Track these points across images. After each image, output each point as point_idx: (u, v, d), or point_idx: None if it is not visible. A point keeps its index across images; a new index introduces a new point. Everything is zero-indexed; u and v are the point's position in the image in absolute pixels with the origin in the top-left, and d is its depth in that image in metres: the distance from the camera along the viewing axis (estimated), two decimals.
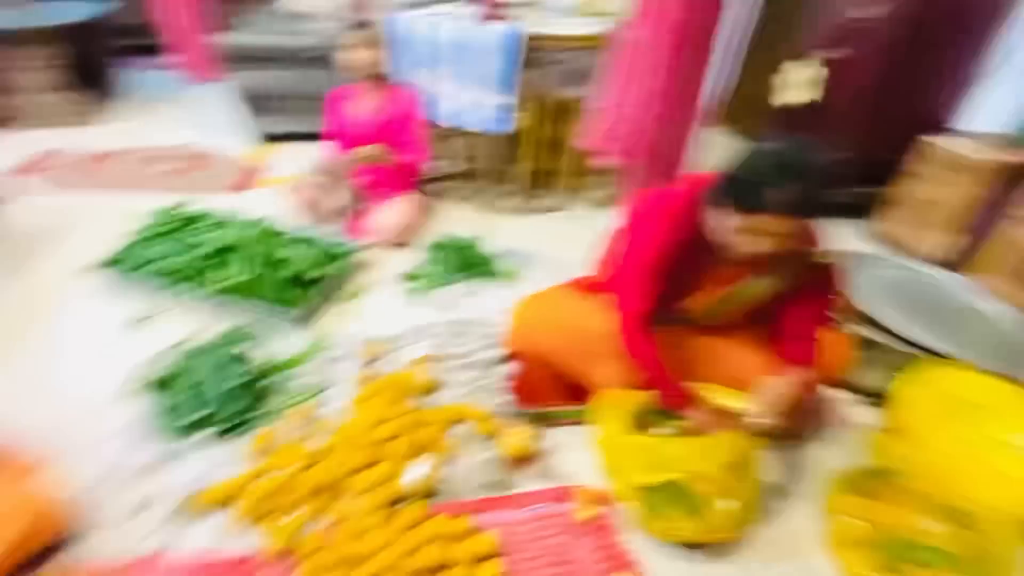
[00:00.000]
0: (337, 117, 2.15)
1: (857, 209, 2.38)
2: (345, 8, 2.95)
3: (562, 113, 2.28)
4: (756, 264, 1.11)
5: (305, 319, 1.70)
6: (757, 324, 1.30)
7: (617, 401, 1.24)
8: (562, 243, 2.22)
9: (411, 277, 1.96)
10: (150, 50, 4.33)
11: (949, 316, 1.62)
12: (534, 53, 2.10)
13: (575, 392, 1.41)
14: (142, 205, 2.32)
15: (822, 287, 1.21)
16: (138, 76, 3.81)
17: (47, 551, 1.06)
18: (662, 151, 1.64)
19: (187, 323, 1.69)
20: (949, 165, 2.14)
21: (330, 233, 2.03)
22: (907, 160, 2.25)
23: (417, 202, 2.24)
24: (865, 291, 1.60)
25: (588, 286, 1.40)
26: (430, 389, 1.48)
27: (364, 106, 2.11)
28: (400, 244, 2.14)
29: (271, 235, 1.87)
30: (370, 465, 1.24)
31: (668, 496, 1.11)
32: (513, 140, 2.31)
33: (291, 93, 2.93)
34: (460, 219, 2.39)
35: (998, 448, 1.13)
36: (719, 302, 1.25)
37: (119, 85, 3.61)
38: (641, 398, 1.24)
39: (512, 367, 1.54)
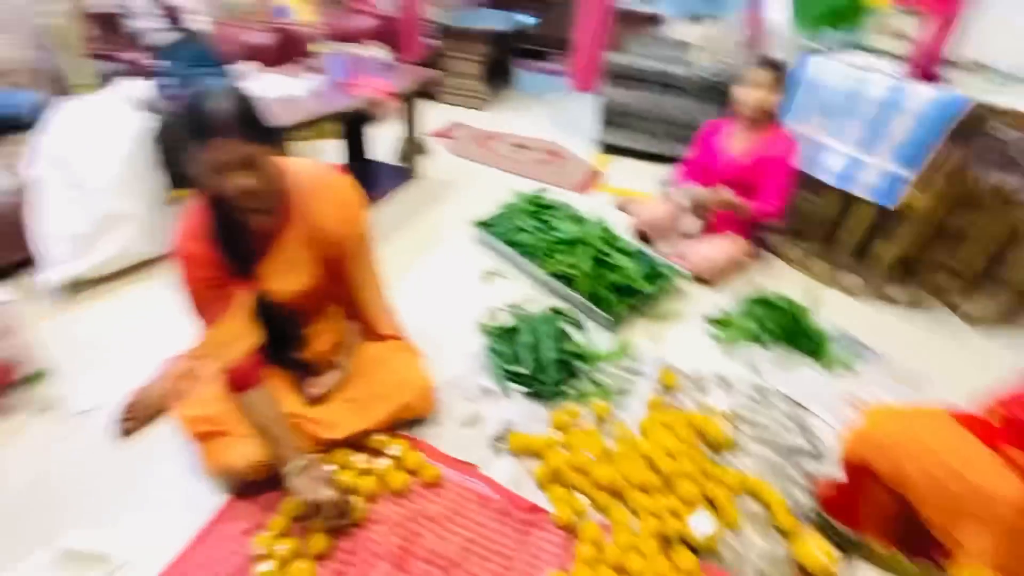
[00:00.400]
0: (706, 147, 2.19)
1: None
2: (738, 44, 2.98)
3: (977, 202, 1.86)
4: None
5: (615, 325, 1.81)
6: None
7: None
8: (919, 351, 1.84)
9: (721, 322, 1.89)
10: (540, 56, 5.21)
11: None
12: (970, 126, 1.74)
13: (909, 537, 1.15)
14: (512, 183, 2.84)
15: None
16: (527, 76, 4.61)
17: (412, 421, 1.39)
18: None
19: (522, 289, 2.00)
20: None
21: (658, 252, 2.11)
22: None
23: (743, 247, 2.13)
24: None
25: (985, 430, 1.11)
26: (724, 447, 1.41)
27: (737, 143, 2.09)
28: (713, 283, 2.09)
29: (610, 239, 2.03)
30: (650, 489, 1.25)
31: None
32: (891, 216, 1.99)
33: (646, 114, 3.13)
34: (784, 279, 2.20)
35: None
36: None
37: (512, 81, 4.43)
38: None
39: (825, 468, 1.35)
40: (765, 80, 1.92)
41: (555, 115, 3.92)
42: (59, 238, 1.69)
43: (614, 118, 3.23)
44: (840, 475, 1.22)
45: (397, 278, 1.69)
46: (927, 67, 1.93)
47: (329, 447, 1.25)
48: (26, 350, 1.39)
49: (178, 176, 2.27)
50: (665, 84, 3.04)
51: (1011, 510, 0.95)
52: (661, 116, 3.12)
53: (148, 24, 2.21)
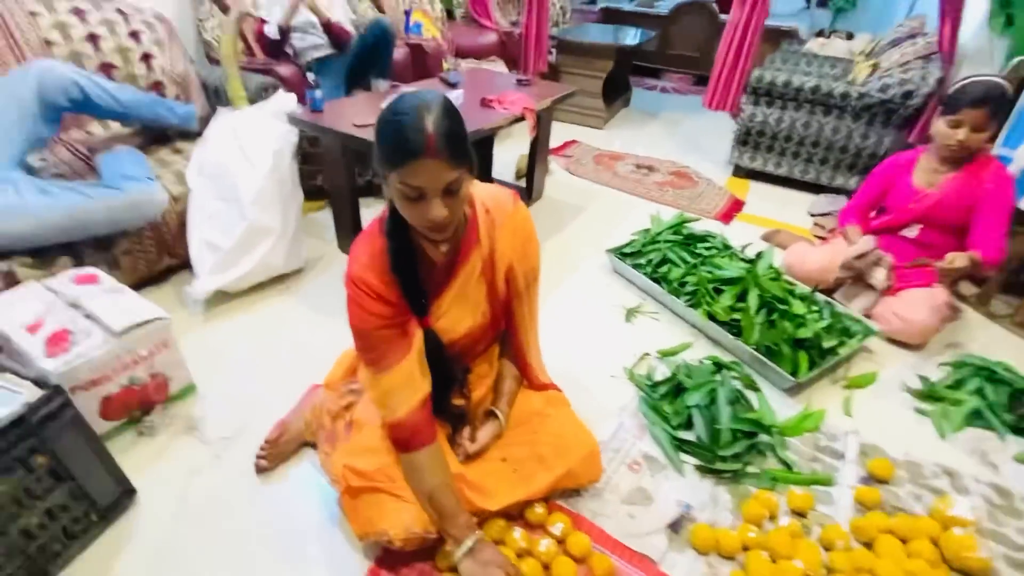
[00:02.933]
0: (888, 183, 1.85)
1: None
2: (910, 58, 2.58)
3: None
4: None
5: (796, 388, 1.51)
6: None
7: None
8: None
9: (930, 395, 1.53)
10: (653, 73, 4.97)
11: None
12: None
13: None
14: (640, 207, 2.61)
15: None
16: (642, 94, 4.38)
17: (571, 490, 1.18)
18: None
19: (672, 333, 1.75)
20: None
21: (842, 302, 1.79)
22: None
23: (943, 302, 1.75)
24: None
25: None
26: (974, 571, 1.07)
27: (928, 177, 1.74)
28: (915, 345, 1.73)
29: (782, 283, 1.74)
30: None
31: None
32: None
33: (791, 134, 2.78)
34: (991, 341, 1.79)
35: None
36: None
37: (629, 99, 4.21)
38: None
39: None
40: (972, 119, 1.57)
41: (678, 135, 3.65)
42: (208, 248, 1.68)
43: (753, 139, 2.91)
44: None
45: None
46: None
47: (481, 517, 1.07)
48: (178, 366, 1.34)
49: (314, 189, 2.27)
50: (817, 103, 2.69)
51: None
52: (810, 138, 2.76)
53: (308, 42, 2.25)
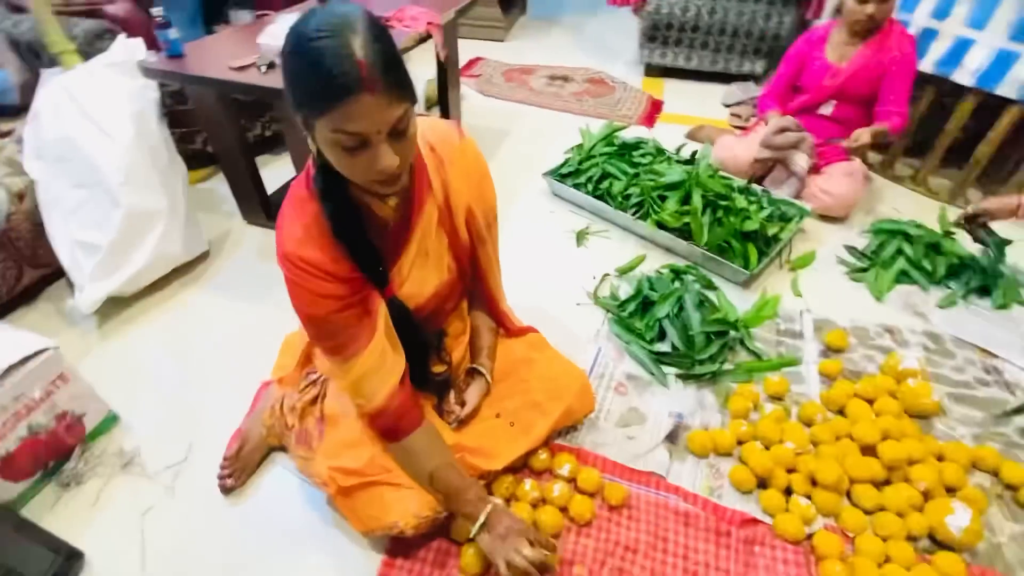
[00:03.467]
0: (800, 63, 1.86)
1: None
2: None
3: None
4: None
5: (751, 279, 1.56)
6: None
7: None
8: None
9: (864, 265, 1.65)
10: None
11: None
12: None
13: None
14: (563, 122, 2.48)
15: None
16: None
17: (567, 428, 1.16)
18: None
19: (625, 248, 1.73)
20: None
21: (772, 188, 1.84)
22: None
23: (861, 172, 1.85)
24: None
25: None
26: (929, 413, 1.21)
27: (840, 52, 1.77)
28: (839, 218, 1.83)
29: (720, 180, 1.74)
30: (879, 482, 1.05)
31: None
32: None
33: (700, 24, 2.73)
34: (900, 202, 1.95)
35: None
36: None
37: (524, 5, 3.91)
38: None
39: None
40: None
41: (583, 39, 3.47)
42: (83, 250, 1.37)
43: (661, 33, 2.82)
44: None
45: None
46: None
47: (488, 478, 1.02)
48: (87, 397, 1.11)
49: (194, 155, 1.91)
50: None
51: None
52: (716, 26, 2.71)
53: None
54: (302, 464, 1.01)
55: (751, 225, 1.58)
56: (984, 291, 1.54)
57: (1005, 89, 1.70)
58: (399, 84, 0.60)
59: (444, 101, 2.28)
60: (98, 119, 1.36)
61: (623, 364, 1.34)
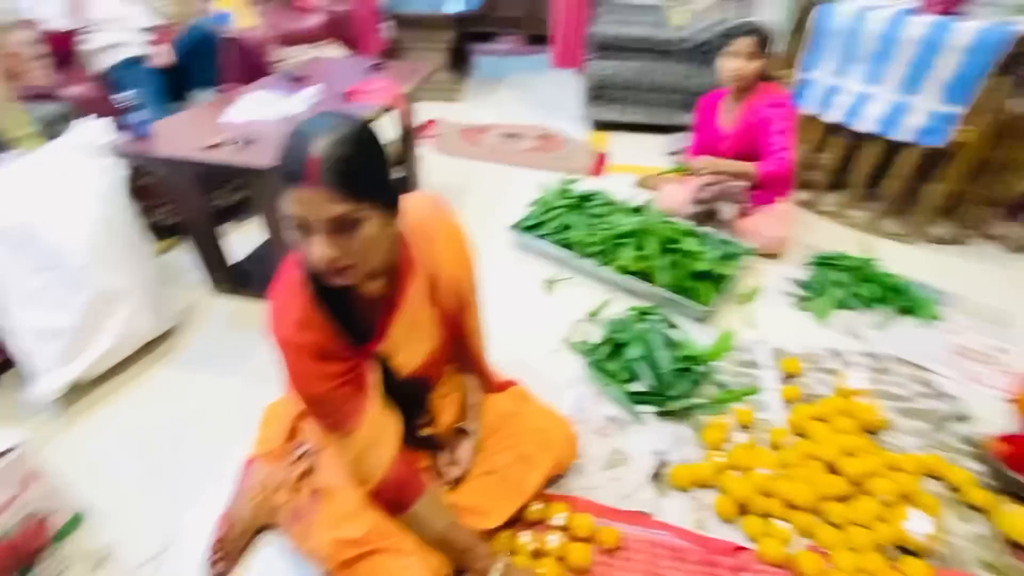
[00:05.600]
0: (703, 123, 2.09)
1: None
2: (716, 6, 2.89)
3: (1020, 131, 1.87)
4: None
5: (706, 317, 1.68)
6: None
7: None
8: (986, 286, 1.85)
9: (806, 295, 1.80)
10: (490, 38, 4.93)
11: None
12: (1015, 57, 1.73)
13: None
14: (519, 177, 2.62)
15: None
16: (484, 61, 4.33)
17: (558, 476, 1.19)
18: None
19: (592, 294, 1.82)
20: None
21: (713, 231, 2.00)
22: None
23: (788, 213, 2.05)
24: None
25: None
26: (879, 428, 1.32)
27: (729, 115, 1.99)
28: (775, 255, 2.01)
29: (667, 227, 1.88)
30: (845, 497, 1.14)
31: None
32: (938, 155, 1.97)
33: (635, 84, 2.99)
34: (826, 234, 2.16)
35: None
36: None
37: (472, 67, 4.14)
38: None
39: (981, 429, 1.30)
40: (743, 48, 1.81)
41: (530, 97, 3.70)
42: (43, 337, 1.32)
43: (602, 92, 3.07)
44: (1010, 428, 1.17)
45: None
46: (948, 2, 1.90)
47: (484, 536, 1.03)
48: (54, 496, 1.05)
49: (156, 226, 1.89)
50: (651, 50, 2.91)
51: None
52: (652, 85, 2.98)
53: (103, 40, 1.77)
54: (297, 541, 0.99)
55: (703, 266, 1.71)
56: (908, 311, 1.72)
57: (902, 134, 1.96)
58: (349, 186, 0.66)
59: (406, 162, 2.37)
60: (61, 200, 1.35)
61: (602, 407, 1.40)
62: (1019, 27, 1.70)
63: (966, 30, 1.73)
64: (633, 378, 1.45)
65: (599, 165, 2.72)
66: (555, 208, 2.08)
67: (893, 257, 1.98)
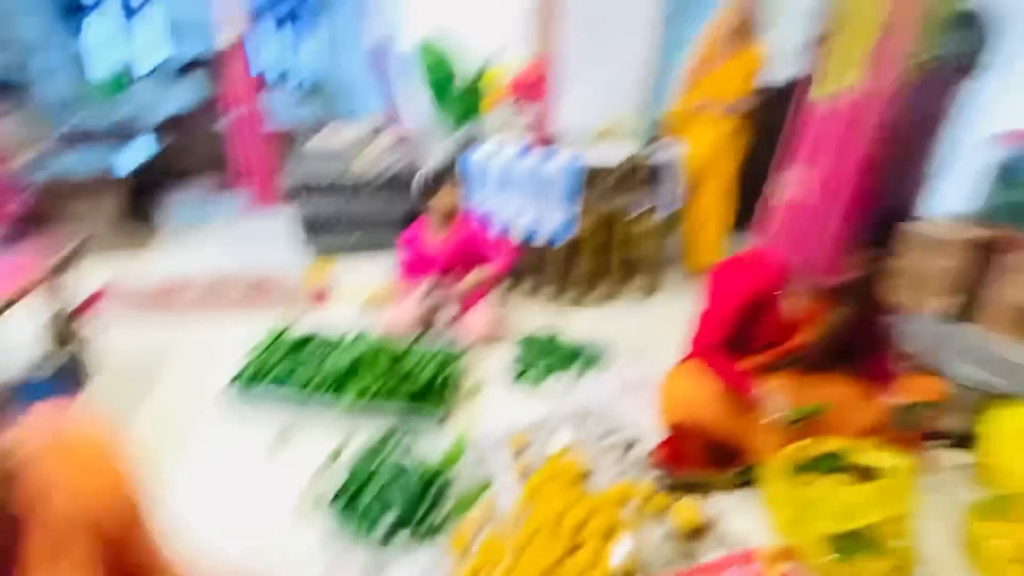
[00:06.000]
0: (414, 253, 2.38)
1: None
2: (397, 143, 3.36)
3: (610, 221, 2.67)
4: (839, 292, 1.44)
5: (443, 420, 1.81)
6: (843, 366, 1.59)
7: (781, 459, 1.42)
8: (632, 329, 2.50)
9: (518, 373, 2.12)
10: (177, 182, 4.59)
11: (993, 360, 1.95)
12: (587, 175, 2.49)
13: (726, 458, 1.59)
14: (233, 328, 2.43)
15: (883, 309, 1.57)
16: (180, 205, 3.99)
17: None
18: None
19: (330, 435, 1.76)
20: (931, 243, 2.64)
21: (434, 338, 2.21)
22: (898, 242, 2.75)
23: (499, 301, 2.46)
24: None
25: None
26: (585, 475, 1.61)
27: (438, 238, 2.36)
28: (493, 341, 2.33)
29: (388, 347, 2.00)
30: (572, 551, 1.33)
31: (853, 542, 1.28)
32: (573, 245, 2.64)
33: (343, 217, 3.20)
34: (535, 314, 2.63)
35: None
36: (817, 336, 1.53)
37: (166, 213, 3.76)
38: (803, 452, 1.43)
39: (647, 445, 1.71)
40: (451, 186, 2.27)
41: (235, 239, 3.54)
42: None
43: (316, 227, 3.18)
44: (663, 436, 1.60)
45: (180, 502, 1.26)
46: (546, 137, 2.65)
47: None
48: None
49: None
50: (346, 188, 3.17)
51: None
52: (361, 214, 3.23)
53: None
54: None
55: (428, 375, 1.87)
56: (588, 365, 2.19)
57: (548, 235, 2.58)
58: None
59: (69, 349, 1.96)
60: None
61: (358, 553, 1.34)
62: (585, 160, 2.49)
63: (556, 164, 2.43)
64: (384, 509, 1.44)
65: (322, 295, 2.75)
66: (276, 353, 2.00)
67: (573, 322, 2.51)
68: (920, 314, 2.58)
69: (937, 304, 2.62)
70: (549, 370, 2.13)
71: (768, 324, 1.52)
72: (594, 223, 2.60)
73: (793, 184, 1.30)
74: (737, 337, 1.51)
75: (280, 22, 6.29)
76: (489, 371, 2.15)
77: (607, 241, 2.72)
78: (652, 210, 2.74)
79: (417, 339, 2.15)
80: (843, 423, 1.51)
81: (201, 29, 4.03)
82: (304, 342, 2.10)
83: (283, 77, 6.41)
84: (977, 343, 2.07)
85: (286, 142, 4.07)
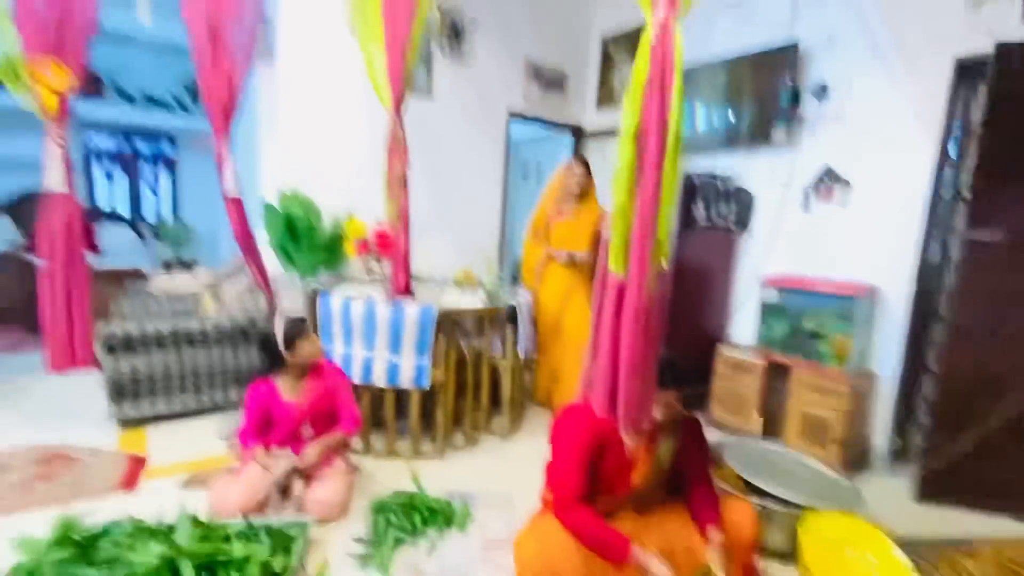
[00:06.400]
0: (262, 406, 2.16)
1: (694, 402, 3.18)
2: (247, 291, 3.20)
3: (465, 364, 2.74)
4: (659, 430, 1.60)
5: None
6: (673, 496, 1.71)
7: None
8: (494, 474, 2.45)
9: (367, 554, 1.90)
10: None
11: (794, 475, 2.22)
12: (443, 321, 2.59)
13: None
14: (7, 528, 1.89)
15: (698, 437, 1.72)
16: None
17: None
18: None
19: None
20: (737, 367, 3.11)
21: (270, 516, 1.93)
22: (711, 364, 3.20)
23: (346, 469, 2.24)
24: (735, 465, 2.14)
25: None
26: None
27: (293, 392, 2.19)
28: (340, 516, 2.10)
29: (209, 532, 1.71)
30: None
31: None
32: (432, 392, 2.62)
33: (168, 374, 2.84)
34: (381, 472, 2.45)
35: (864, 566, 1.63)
36: (652, 472, 1.64)
37: None
38: None
39: None
40: (308, 336, 2.18)
41: (28, 408, 2.93)
42: None
43: (129, 388, 2.75)
44: None
45: None
46: (401, 286, 2.74)
47: None
48: None
49: None
50: (180, 341, 2.88)
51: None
52: (193, 370, 2.91)
53: None
54: None
55: (253, 571, 1.59)
56: (449, 523, 2.05)
57: (403, 383, 2.55)
58: None
59: None
60: None
61: None
62: (443, 304, 2.61)
63: (411, 311, 2.51)
64: None
65: (133, 474, 2.31)
66: (54, 562, 1.57)
67: (433, 474, 2.38)
68: (736, 433, 2.95)
69: (753, 421, 3.02)
70: (400, 541, 1.94)
71: (610, 465, 1.60)
72: (454, 366, 2.65)
73: (590, 346, 1.48)
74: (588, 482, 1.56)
75: (136, 164, 6.22)
76: (335, 552, 1.90)
77: (467, 382, 2.76)
78: (511, 350, 2.89)
79: (251, 518, 1.86)
80: (685, 564, 1.58)
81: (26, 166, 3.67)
82: (94, 540, 1.69)
83: (135, 218, 6.14)
84: (778, 458, 2.34)
85: (120, 285, 3.68)
